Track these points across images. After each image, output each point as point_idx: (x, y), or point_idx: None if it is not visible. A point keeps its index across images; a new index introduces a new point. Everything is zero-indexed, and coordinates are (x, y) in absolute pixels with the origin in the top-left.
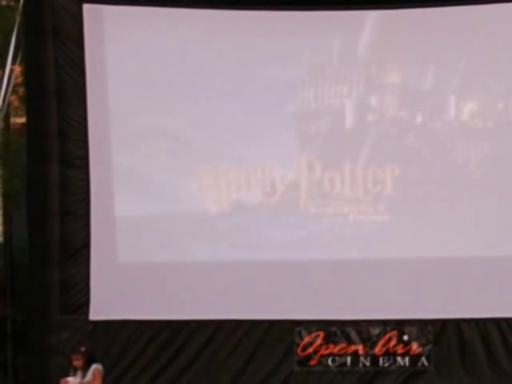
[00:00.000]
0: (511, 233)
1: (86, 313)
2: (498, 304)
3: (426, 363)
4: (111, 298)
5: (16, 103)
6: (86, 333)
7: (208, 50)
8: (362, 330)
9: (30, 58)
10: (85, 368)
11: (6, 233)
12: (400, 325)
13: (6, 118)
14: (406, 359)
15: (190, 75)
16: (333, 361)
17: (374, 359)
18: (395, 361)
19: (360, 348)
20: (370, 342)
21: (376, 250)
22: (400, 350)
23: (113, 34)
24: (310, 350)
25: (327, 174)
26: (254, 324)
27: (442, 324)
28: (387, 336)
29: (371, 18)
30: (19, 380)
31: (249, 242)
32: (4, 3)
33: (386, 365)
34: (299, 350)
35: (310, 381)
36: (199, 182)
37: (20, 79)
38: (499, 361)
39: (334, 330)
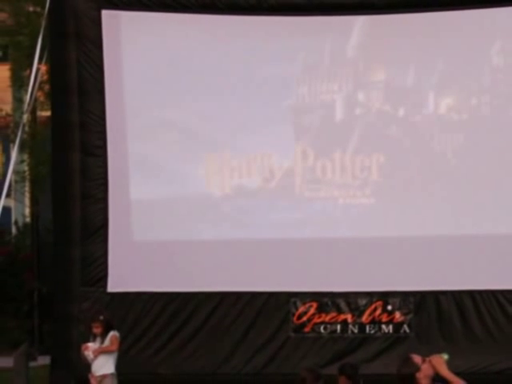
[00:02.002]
0: (483, 213)
1: (105, 285)
2: (471, 278)
3: (407, 330)
4: (127, 272)
5: (42, 98)
6: (105, 303)
7: (213, 50)
8: (351, 300)
9: (55, 58)
10: (103, 334)
11: (33, 214)
12: (384, 296)
13: (33, 111)
14: (390, 327)
15: (197, 73)
16: (324, 328)
17: (362, 327)
18: (380, 328)
19: (349, 317)
20: (357, 312)
21: (363, 229)
22: (384, 318)
23: (128, 37)
24: (305, 318)
25: (319, 162)
26: (254, 295)
27: (422, 295)
28: (373, 306)
29: (359, 22)
30: (45, 345)
31: (249, 223)
32: (31, 9)
33: (372, 332)
34: (294, 318)
35: (304, 346)
36: (205, 169)
37: (45, 77)
38: (472, 328)
39: (326, 300)
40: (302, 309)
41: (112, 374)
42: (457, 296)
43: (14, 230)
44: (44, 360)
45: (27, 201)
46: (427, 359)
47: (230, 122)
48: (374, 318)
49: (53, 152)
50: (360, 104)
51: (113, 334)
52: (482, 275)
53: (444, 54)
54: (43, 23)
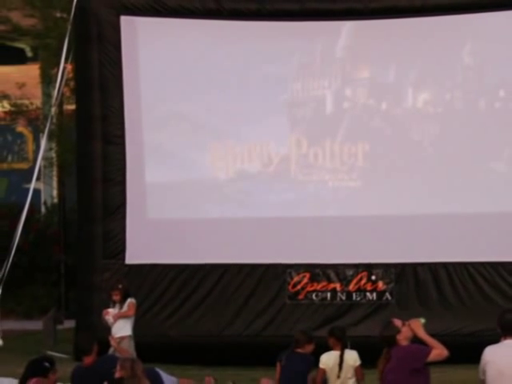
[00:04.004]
0: (456, 195)
1: (123, 258)
2: (445, 251)
3: (389, 298)
4: (142, 247)
5: (68, 94)
6: (123, 274)
7: (218, 51)
8: (339, 271)
9: (79, 58)
10: (122, 301)
11: (59, 195)
12: (369, 267)
13: (60, 105)
14: (374, 294)
15: (204, 71)
16: (316, 296)
17: (349, 294)
18: (365, 296)
19: (338, 286)
20: (345, 281)
21: (350, 209)
22: (369, 287)
23: (144, 39)
24: (299, 287)
25: (312, 149)
26: (254, 267)
27: (402, 267)
28: (359, 276)
29: (347, 27)
30: (70, 310)
31: (250, 203)
32: (58, 15)
33: (358, 299)
34: (290, 287)
35: (298, 311)
36: (211, 155)
37: (71, 75)
38: (446, 296)
39: (318, 271)
40: (296, 278)
41: (129, 336)
42: (432, 267)
43: (43, 209)
44: (69, 323)
45: (55, 184)
46: (406, 323)
47: (234, 114)
48: (359, 287)
49: (77, 141)
50: (347, 99)
51: (130, 300)
52: (455, 249)
53: (421, 55)
54: (69, 27)
